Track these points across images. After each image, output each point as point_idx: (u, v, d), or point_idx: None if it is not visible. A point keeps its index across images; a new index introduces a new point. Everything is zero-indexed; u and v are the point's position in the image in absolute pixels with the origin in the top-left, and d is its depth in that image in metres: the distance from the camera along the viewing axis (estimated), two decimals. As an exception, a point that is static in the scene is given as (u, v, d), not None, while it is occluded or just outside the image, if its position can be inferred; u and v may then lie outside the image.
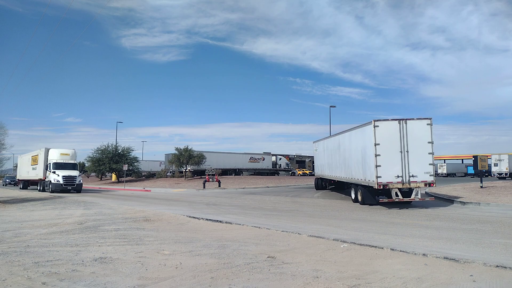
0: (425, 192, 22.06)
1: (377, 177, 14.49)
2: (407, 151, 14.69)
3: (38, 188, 32.91)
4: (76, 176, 29.54)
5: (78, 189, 29.70)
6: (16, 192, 30.17)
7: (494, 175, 47.09)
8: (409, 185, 14.45)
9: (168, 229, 8.93)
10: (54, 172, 28.98)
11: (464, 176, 66.46)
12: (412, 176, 14.54)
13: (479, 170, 22.04)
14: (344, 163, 19.03)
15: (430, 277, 4.63)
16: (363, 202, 16.08)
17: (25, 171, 36.94)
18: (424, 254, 5.84)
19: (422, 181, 14.47)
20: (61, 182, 28.58)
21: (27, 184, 37.78)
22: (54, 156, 30.52)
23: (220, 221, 10.19)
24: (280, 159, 68.26)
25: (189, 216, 11.36)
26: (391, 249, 6.30)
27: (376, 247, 6.50)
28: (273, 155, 68.27)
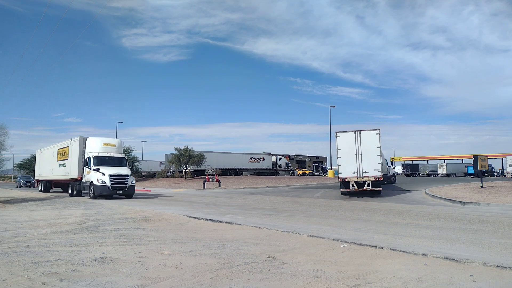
0: (425, 192, 22.10)
1: (339, 173, 20.57)
2: (361, 154, 20.06)
3: (70, 191, 24.10)
4: (127, 176, 20.91)
5: (129, 193, 21.03)
6: (16, 192, 30.15)
7: (506, 175, 46.59)
8: (362, 178, 19.83)
9: (168, 229, 8.93)
10: (97, 170, 20.51)
11: (464, 176, 66.45)
12: (365, 172, 19.84)
13: (479, 170, 22.05)
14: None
15: (430, 277, 4.63)
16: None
17: (48, 169, 28.78)
18: (424, 254, 5.84)
19: (372, 176, 19.74)
20: (108, 183, 20.01)
21: (49, 185, 29.76)
22: (95, 147, 21.93)
23: (220, 221, 10.19)
24: (280, 159, 68.26)
25: (189, 216, 11.36)
26: (391, 249, 6.30)
27: (376, 247, 6.50)
28: (273, 155, 68.27)
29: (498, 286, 4.36)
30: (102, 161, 21.21)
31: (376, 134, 20.05)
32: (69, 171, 23.93)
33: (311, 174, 70.35)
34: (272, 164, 64.05)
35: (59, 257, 5.76)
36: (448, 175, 65.35)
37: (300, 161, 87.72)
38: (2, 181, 77.91)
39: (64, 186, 28.59)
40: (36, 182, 34.34)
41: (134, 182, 22.01)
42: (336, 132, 20.70)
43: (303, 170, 72.80)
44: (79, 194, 22.49)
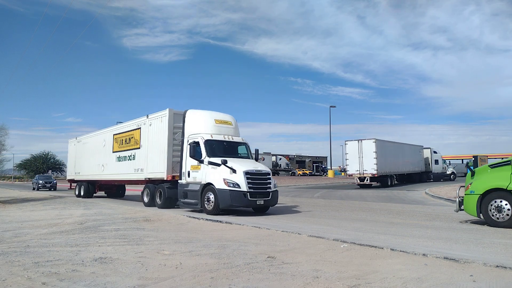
0: (425, 192, 22.10)
1: (347, 171, 30.91)
2: (362, 157, 28.88)
3: (145, 198, 15.60)
4: (269, 175, 12.41)
5: (272, 203, 12.45)
6: (16, 192, 30.06)
7: None
8: (363, 175, 28.66)
9: (168, 229, 8.93)
10: (216, 164, 12.00)
11: (464, 176, 66.43)
12: (365, 170, 28.56)
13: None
14: None
15: (430, 277, 4.63)
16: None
17: (93, 165, 20.58)
18: (424, 254, 5.84)
19: (369, 173, 28.34)
20: (244, 188, 11.51)
21: (92, 188, 21.66)
22: (202, 125, 13.21)
23: (220, 221, 10.19)
24: (280, 159, 68.31)
25: (189, 216, 11.36)
26: (391, 249, 6.30)
27: (376, 247, 6.50)
28: (273, 155, 68.29)
29: (498, 286, 4.35)
30: (217, 149, 12.57)
31: (373, 142, 28.42)
32: (144, 167, 15.66)
33: (311, 174, 70.36)
34: (272, 164, 64.04)
35: (59, 257, 5.76)
36: (448, 175, 65.35)
37: (300, 161, 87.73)
38: (2, 181, 77.82)
39: (114, 188, 22.30)
40: (71, 182, 25.32)
41: (276, 184, 12.72)
42: (345, 141, 30.55)
43: (303, 170, 72.80)
44: (168, 204, 14.04)
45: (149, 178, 15.57)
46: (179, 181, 13.40)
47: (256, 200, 11.70)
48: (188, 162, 12.93)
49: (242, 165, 11.92)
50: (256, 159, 13.83)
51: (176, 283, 4.40)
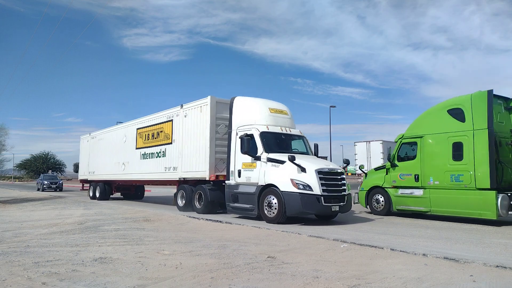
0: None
1: (355, 170, 38.70)
2: (370, 157, 34.22)
3: (180, 201, 13.38)
4: (342, 174, 10.19)
5: (347, 208, 10.13)
6: (16, 192, 30.04)
7: None
8: None
9: (168, 229, 8.93)
10: (278, 162, 9.81)
11: None
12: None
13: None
14: None
15: (430, 277, 4.63)
16: None
17: (112, 164, 18.34)
18: (424, 254, 5.84)
19: None
20: (317, 191, 9.28)
21: (109, 189, 19.50)
22: (255, 115, 11.08)
23: (220, 221, 10.19)
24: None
25: (189, 216, 11.36)
26: (391, 249, 6.30)
27: (376, 247, 6.50)
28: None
29: (498, 286, 4.35)
30: (274, 143, 10.58)
31: (380, 143, 33.53)
32: (178, 165, 13.47)
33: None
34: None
35: (59, 257, 5.76)
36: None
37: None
38: (2, 181, 77.82)
39: (132, 189, 20.15)
40: (83, 182, 22.86)
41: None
42: (354, 142, 36.08)
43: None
44: (210, 209, 12.05)
45: (184, 178, 13.30)
46: (226, 181, 11.19)
47: (331, 205, 9.46)
48: (239, 159, 10.71)
49: (311, 163, 9.80)
50: (317, 156, 11.77)
51: (176, 283, 4.40)
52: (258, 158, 10.17)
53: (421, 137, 10.91)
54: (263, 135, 10.44)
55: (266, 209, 9.83)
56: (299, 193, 9.25)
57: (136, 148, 16.59)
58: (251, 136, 10.41)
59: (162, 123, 14.91)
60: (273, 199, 9.66)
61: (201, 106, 12.72)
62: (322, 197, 9.33)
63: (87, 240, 7.31)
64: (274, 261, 5.49)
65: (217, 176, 11.97)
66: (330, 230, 8.59)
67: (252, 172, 10.32)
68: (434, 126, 10.76)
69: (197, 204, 12.53)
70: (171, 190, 30.28)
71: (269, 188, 9.82)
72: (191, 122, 13.17)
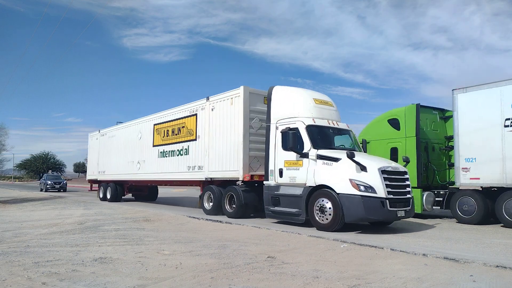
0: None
1: None
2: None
3: (207, 203, 12.09)
4: (406, 173, 8.86)
5: (411, 214, 8.86)
6: (16, 192, 30.04)
7: None
8: None
9: (168, 229, 8.93)
10: (331, 160, 8.53)
11: None
12: None
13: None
14: None
15: (430, 277, 4.63)
16: None
17: (127, 162, 17.06)
18: (424, 254, 5.84)
19: None
20: (382, 194, 7.99)
21: (121, 190, 18.27)
22: (302, 107, 9.80)
23: (220, 221, 10.19)
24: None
25: (189, 216, 11.36)
26: (391, 249, 6.30)
27: (376, 247, 6.51)
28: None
29: (498, 286, 4.36)
30: (321, 138, 9.43)
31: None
32: (204, 163, 12.33)
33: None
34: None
35: (59, 257, 5.76)
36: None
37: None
38: (2, 181, 77.83)
39: (145, 190, 19.08)
40: (91, 182, 21.50)
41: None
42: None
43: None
44: (243, 213, 10.84)
45: (211, 179, 12.11)
46: (264, 182, 9.97)
47: (396, 210, 8.20)
48: (280, 157, 9.50)
49: (372, 160, 8.71)
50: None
51: (176, 283, 4.40)
52: (305, 155, 8.91)
53: (368, 142, 11.73)
54: (310, 129, 9.21)
55: (318, 214, 8.52)
56: (361, 195, 7.93)
57: (153, 146, 15.30)
58: (296, 130, 9.15)
59: (184, 117, 13.59)
60: (327, 202, 8.35)
61: (232, 98, 11.43)
62: (387, 201, 8.00)
63: (87, 240, 7.31)
64: (274, 261, 5.49)
65: (251, 176, 10.73)
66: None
67: (298, 172, 9.08)
68: (377, 133, 12.24)
69: (227, 207, 11.32)
70: (169, 190, 30.26)
71: (321, 190, 8.55)
72: (220, 116, 11.88)
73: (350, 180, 8.10)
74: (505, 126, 9.36)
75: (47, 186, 32.10)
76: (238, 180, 11.00)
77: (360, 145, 10.46)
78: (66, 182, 34.21)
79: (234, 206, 11.02)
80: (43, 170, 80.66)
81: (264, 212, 9.99)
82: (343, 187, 8.16)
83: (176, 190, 31.62)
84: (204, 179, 12.38)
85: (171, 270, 4.98)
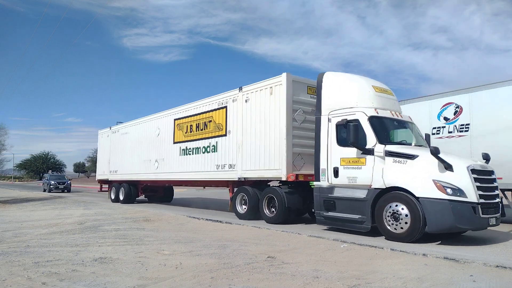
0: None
1: None
2: None
3: (237, 208, 10.92)
4: (493, 173, 7.52)
5: (499, 222, 7.40)
6: (16, 192, 30.04)
7: None
8: None
9: (168, 229, 8.93)
10: (406, 157, 7.29)
11: None
12: None
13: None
14: None
15: (430, 277, 4.64)
16: None
17: (142, 161, 15.98)
18: (424, 254, 5.85)
19: None
20: (472, 197, 6.70)
21: (135, 190, 17.12)
22: (360, 95, 8.46)
23: (220, 221, 10.19)
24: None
25: (189, 216, 11.36)
26: (391, 249, 6.30)
27: (376, 247, 6.51)
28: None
29: (498, 286, 4.36)
30: (387, 132, 8.44)
31: None
32: (236, 161, 11.20)
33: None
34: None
35: (59, 257, 5.77)
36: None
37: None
38: (2, 181, 77.84)
39: (160, 191, 18.21)
40: (100, 185, 20.60)
41: None
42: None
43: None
44: (286, 217, 9.67)
45: (245, 178, 10.87)
46: (315, 183, 8.73)
47: (488, 218, 6.92)
48: (335, 153, 8.33)
49: (456, 157, 7.51)
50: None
51: (176, 283, 4.40)
52: (370, 152, 7.67)
53: None
54: (373, 120, 7.96)
55: (389, 221, 7.20)
56: (449, 200, 6.64)
57: (174, 143, 14.13)
58: (356, 122, 7.90)
59: (212, 111, 12.42)
60: (402, 208, 7.03)
61: (271, 87, 10.21)
62: (479, 206, 6.75)
63: (87, 240, 7.31)
64: (274, 261, 5.49)
65: (296, 176, 9.46)
66: (330, 230, 8.59)
67: (360, 171, 7.83)
68: None
69: (266, 211, 10.08)
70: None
71: (393, 193, 7.24)
72: (256, 108, 10.67)
73: (434, 181, 6.82)
74: (432, 134, 10.67)
75: (51, 186, 30.93)
76: (277, 180, 10.06)
77: (425, 140, 9.04)
78: (70, 182, 32.96)
79: (273, 210, 9.87)
80: (43, 170, 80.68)
81: (308, 217, 9.09)
82: (424, 189, 6.86)
83: (176, 190, 31.51)
84: (237, 179, 11.14)
85: (171, 270, 4.99)
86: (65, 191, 30.82)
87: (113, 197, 18.23)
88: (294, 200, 9.62)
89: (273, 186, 10.17)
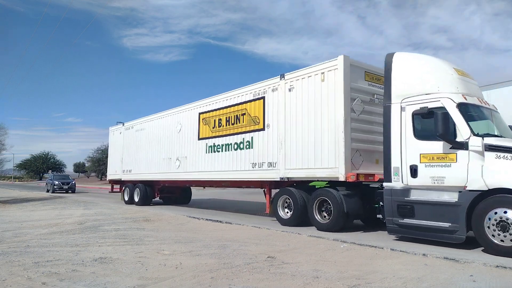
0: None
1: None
2: None
3: (280, 212, 9.71)
4: None
5: None
6: (16, 192, 30.02)
7: None
8: None
9: (168, 229, 8.93)
10: None
11: None
12: None
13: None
14: None
15: (430, 277, 4.64)
16: None
17: (162, 159, 14.83)
18: (424, 254, 5.85)
19: None
20: None
21: (152, 191, 15.83)
22: (441, 79, 7.14)
23: (220, 221, 10.20)
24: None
25: (189, 216, 11.37)
26: (391, 249, 6.30)
27: (376, 247, 6.51)
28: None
29: (498, 286, 4.36)
30: (475, 120, 6.98)
31: None
32: (278, 159, 9.93)
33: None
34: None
35: (59, 257, 5.77)
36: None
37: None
38: (2, 181, 77.85)
39: (177, 192, 16.90)
40: (111, 185, 19.25)
41: None
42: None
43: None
44: (342, 224, 8.45)
45: (288, 178, 9.62)
46: (384, 184, 7.50)
47: None
48: (412, 148, 7.10)
49: None
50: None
51: (176, 283, 4.40)
52: (462, 146, 6.41)
53: None
54: (463, 108, 6.71)
55: (494, 232, 5.93)
56: None
57: (199, 139, 12.94)
58: (442, 110, 6.64)
59: (245, 102, 11.19)
60: None
61: (323, 73, 8.96)
62: None
63: (87, 240, 7.31)
64: (274, 261, 5.49)
65: (357, 176, 8.25)
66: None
67: (449, 169, 6.55)
68: None
69: (317, 217, 8.73)
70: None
71: (498, 196, 5.98)
72: (303, 98, 9.40)
73: None
74: None
75: (54, 186, 29.39)
76: (325, 181, 8.92)
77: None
78: (75, 183, 31.40)
79: (326, 215, 8.63)
80: (43, 170, 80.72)
81: (360, 223, 7.92)
82: None
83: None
84: (278, 179, 9.86)
85: (171, 270, 4.99)
86: (70, 191, 29.46)
87: (126, 198, 17.06)
88: (354, 204, 8.28)
89: (325, 187, 8.80)
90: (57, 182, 29.65)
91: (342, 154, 8.30)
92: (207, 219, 10.69)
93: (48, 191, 30.29)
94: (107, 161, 20.36)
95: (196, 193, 20.81)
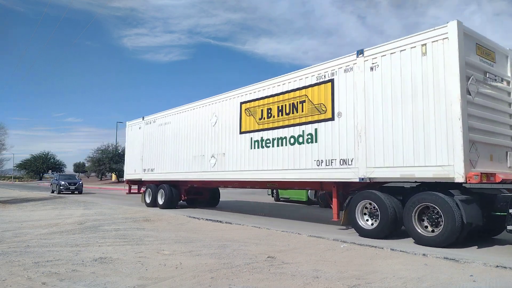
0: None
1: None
2: None
3: (359, 222, 7.83)
4: None
5: None
6: (16, 192, 30.01)
7: None
8: None
9: (168, 229, 8.93)
10: None
11: None
12: None
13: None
14: None
15: (430, 277, 4.64)
16: None
17: (192, 157, 13.01)
18: (424, 254, 5.85)
19: None
20: None
21: (177, 192, 14.22)
22: None
23: (220, 221, 10.19)
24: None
25: (189, 216, 11.36)
26: (391, 249, 6.30)
27: (376, 247, 6.51)
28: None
29: (498, 286, 4.36)
30: None
31: None
32: (356, 155, 8.07)
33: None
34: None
35: (59, 257, 5.77)
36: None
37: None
38: (2, 181, 77.88)
39: (206, 194, 15.22)
40: (129, 186, 17.95)
41: None
42: None
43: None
44: (453, 239, 6.37)
45: (370, 179, 7.83)
46: None
47: None
48: None
49: None
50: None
51: (176, 283, 4.40)
52: None
53: None
54: None
55: None
56: None
57: (241, 133, 11.19)
58: None
59: (305, 87, 9.40)
60: None
61: (424, 45, 7.15)
62: None
63: (87, 240, 7.31)
64: (274, 261, 5.49)
65: (480, 177, 6.33)
66: (330, 230, 8.59)
67: None
68: None
69: (418, 229, 6.86)
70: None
71: None
72: (393, 77, 7.60)
73: None
74: None
75: (60, 187, 27.43)
76: (421, 182, 7.21)
77: None
78: (82, 183, 29.49)
79: (428, 226, 6.83)
80: (43, 170, 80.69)
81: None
82: None
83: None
84: (357, 180, 8.04)
85: (171, 270, 4.99)
86: (76, 192, 27.64)
87: (148, 201, 15.28)
88: (475, 213, 6.43)
89: (429, 191, 6.85)
90: (63, 183, 27.79)
91: (460, 148, 6.44)
92: (207, 219, 10.69)
93: (53, 191, 28.71)
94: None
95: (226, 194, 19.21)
